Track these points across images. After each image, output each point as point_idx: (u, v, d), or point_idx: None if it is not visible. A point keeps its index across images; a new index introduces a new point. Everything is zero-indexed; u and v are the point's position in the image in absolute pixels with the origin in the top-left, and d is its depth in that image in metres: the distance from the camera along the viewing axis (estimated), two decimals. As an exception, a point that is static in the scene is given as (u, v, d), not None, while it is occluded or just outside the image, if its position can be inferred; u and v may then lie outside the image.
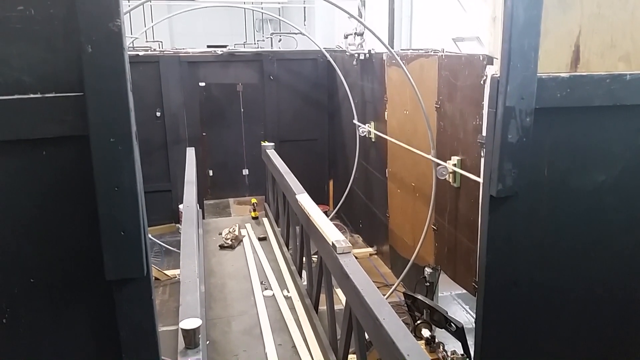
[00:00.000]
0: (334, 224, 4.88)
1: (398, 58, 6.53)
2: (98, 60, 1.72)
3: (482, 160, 5.37)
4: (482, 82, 5.10)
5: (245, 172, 11.24)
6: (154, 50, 10.53)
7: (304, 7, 11.65)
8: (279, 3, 11.72)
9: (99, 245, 1.82)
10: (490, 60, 5.20)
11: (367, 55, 8.25)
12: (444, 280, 6.48)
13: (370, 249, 9.02)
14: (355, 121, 8.94)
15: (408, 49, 8.62)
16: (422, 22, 11.33)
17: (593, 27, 2.18)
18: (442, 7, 9.70)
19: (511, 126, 2.10)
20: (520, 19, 2.04)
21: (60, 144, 1.81)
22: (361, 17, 8.30)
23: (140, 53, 9.79)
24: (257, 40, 18.78)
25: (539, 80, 2.12)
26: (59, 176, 1.84)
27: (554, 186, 2.29)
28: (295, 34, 10.73)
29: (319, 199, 10.28)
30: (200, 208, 7.90)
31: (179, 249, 4.95)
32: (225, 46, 10.74)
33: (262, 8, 11.28)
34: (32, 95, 1.77)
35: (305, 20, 12.30)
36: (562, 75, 2.16)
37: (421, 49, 8.05)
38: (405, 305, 5.32)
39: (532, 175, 2.23)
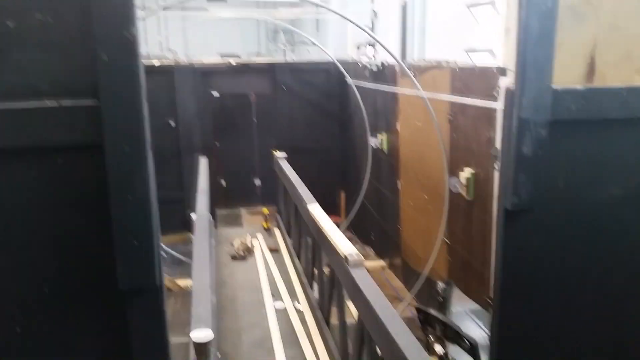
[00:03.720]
0: (345, 236, 4.86)
1: (409, 72, 6.53)
2: (113, 68, 1.74)
3: (495, 173, 5.34)
4: (495, 93, 5.08)
5: (258, 182, 11.26)
6: (169, 59, 10.67)
7: (317, 19, 11.72)
8: (292, 14, 11.81)
9: (112, 255, 1.83)
10: (503, 71, 5.18)
11: (380, 66, 8.26)
12: (458, 294, 6.40)
13: (381, 262, 8.95)
14: (367, 133, 8.93)
15: (421, 60, 8.62)
16: (434, 33, 11.30)
17: (608, 39, 2.16)
18: (455, 18, 9.69)
19: (526, 138, 2.08)
20: (534, 30, 2.02)
21: (74, 152, 1.82)
22: (373, 28, 8.32)
23: (156, 63, 9.91)
24: (270, 50, 18.93)
25: (553, 93, 2.09)
26: (72, 185, 1.85)
27: (570, 199, 2.26)
28: (308, 44, 10.80)
29: (331, 209, 10.22)
30: (212, 218, 7.92)
31: (191, 259, 4.95)
32: (238, 56, 10.85)
33: (275, 19, 11.39)
34: (47, 102, 1.78)
35: (318, 30, 12.38)
36: (578, 87, 2.14)
37: (434, 61, 8.05)
38: (418, 320, 5.26)
39: (548, 188, 2.19)
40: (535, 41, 2.02)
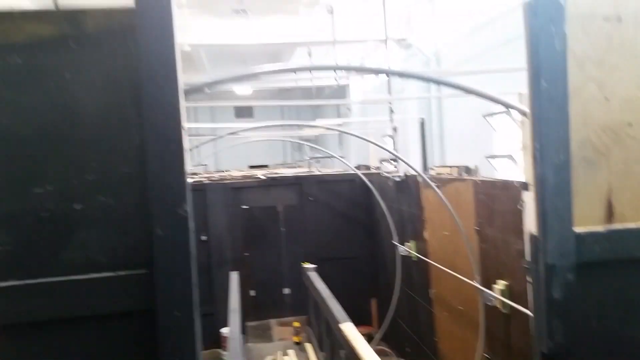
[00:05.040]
0: (379, 349, 4.77)
1: (432, 184, 6.72)
2: (166, 241, 1.92)
3: (529, 286, 5.27)
4: (519, 207, 5.17)
5: (287, 291, 11.22)
6: (201, 174, 11.21)
7: (339, 134, 12.39)
8: (315, 131, 12.51)
9: (160, 420, 1.89)
10: (525, 186, 5.31)
11: (403, 177, 8.52)
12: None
13: (418, 375, 8.57)
14: (395, 241, 8.99)
15: (442, 166, 8.87)
16: (454, 140, 11.68)
17: (622, 184, 2.29)
18: (473, 125, 10.08)
19: (554, 283, 2.14)
20: (551, 182, 2.17)
21: (127, 318, 1.96)
22: (394, 142, 8.71)
23: (189, 180, 10.40)
24: (296, 159, 19.74)
25: (576, 237, 2.19)
26: (123, 350, 1.97)
27: (606, 339, 2.26)
28: (331, 157, 11.28)
29: (362, 318, 10.05)
30: (242, 330, 7.85)
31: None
32: (266, 166, 11.37)
33: (299, 138, 12.03)
34: (105, 274, 1.96)
35: (340, 143, 12.98)
36: (599, 230, 2.24)
37: (454, 166, 8.27)
38: None
39: (582, 330, 2.21)
40: (552, 192, 2.17)
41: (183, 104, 1.93)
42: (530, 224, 2.41)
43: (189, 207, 1.97)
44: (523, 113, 2.49)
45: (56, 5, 1.90)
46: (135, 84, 1.89)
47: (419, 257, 8.17)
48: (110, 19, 1.91)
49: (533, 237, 2.22)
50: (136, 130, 1.93)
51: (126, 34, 1.88)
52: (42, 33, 1.92)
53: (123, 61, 1.90)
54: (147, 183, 1.96)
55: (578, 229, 2.20)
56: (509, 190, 5.38)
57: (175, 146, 1.95)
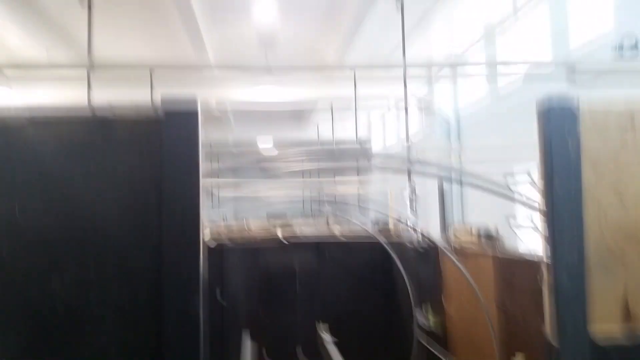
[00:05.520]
0: None
1: (452, 256, 6.67)
2: (175, 338, 1.97)
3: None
4: (540, 285, 5.07)
5: (301, 355, 10.97)
6: (219, 226, 11.25)
7: (359, 194, 12.46)
8: (336, 190, 12.64)
9: None
10: (547, 265, 5.24)
11: (423, 243, 8.46)
12: None
13: None
14: (414, 309, 8.80)
15: (462, 225, 8.76)
16: (474, 198, 11.57)
17: (639, 285, 2.26)
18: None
19: (572, 393, 2.09)
20: (566, 286, 2.16)
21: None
22: (413, 207, 8.72)
23: (211, 244, 10.48)
24: (315, 211, 19.70)
25: (592, 342, 2.15)
26: None
27: None
28: (350, 219, 11.29)
29: (379, 388, 9.70)
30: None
31: None
32: (284, 215, 11.40)
33: (318, 194, 12.14)
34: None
35: (360, 201, 13.02)
36: (616, 335, 2.20)
37: (475, 228, 8.16)
38: None
39: None
40: (568, 297, 2.15)
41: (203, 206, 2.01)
42: (546, 325, 2.38)
43: (198, 303, 2.00)
44: (544, 213, 2.48)
45: (93, 112, 2.03)
46: (159, 187, 1.98)
47: (437, 327, 7.97)
48: (140, 125, 2.03)
49: (548, 344, 2.19)
50: (156, 229, 2.00)
51: (154, 141, 1.99)
52: (76, 136, 2.05)
53: (148, 167, 2.00)
54: (162, 280, 2.01)
55: (594, 332, 2.16)
56: (530, 267, 5.30)
57: (192, 249, 2.01)
